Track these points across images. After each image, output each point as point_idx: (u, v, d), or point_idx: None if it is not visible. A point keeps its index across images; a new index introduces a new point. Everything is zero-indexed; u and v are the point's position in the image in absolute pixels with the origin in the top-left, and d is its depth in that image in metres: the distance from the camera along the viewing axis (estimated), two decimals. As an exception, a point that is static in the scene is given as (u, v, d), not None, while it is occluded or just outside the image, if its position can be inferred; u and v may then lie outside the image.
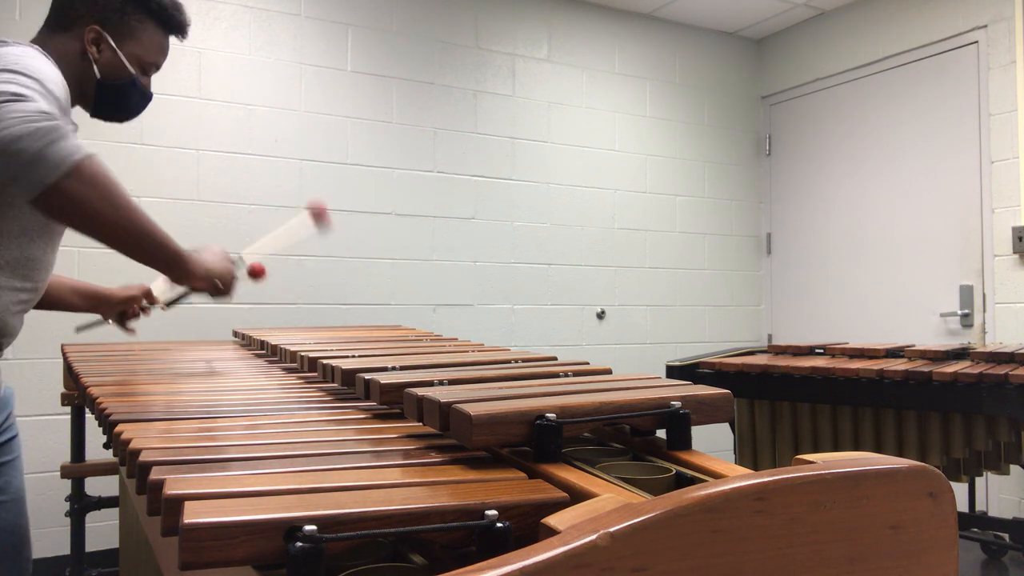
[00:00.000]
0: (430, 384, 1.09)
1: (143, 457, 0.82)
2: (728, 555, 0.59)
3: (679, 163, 4.62)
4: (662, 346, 4.48)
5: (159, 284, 1.85)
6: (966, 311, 3.84)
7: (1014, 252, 3.62)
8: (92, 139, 3.12)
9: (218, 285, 1.49)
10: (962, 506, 3.51)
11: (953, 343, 3.38)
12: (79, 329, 2.05)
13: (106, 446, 1.24)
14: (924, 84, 4.06)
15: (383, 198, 3.77)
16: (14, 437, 1.61)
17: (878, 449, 2.40)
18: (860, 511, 0.63)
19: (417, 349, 1.66)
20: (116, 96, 1.52)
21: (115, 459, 1.63)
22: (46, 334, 3.08)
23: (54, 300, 1.81)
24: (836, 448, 2.49)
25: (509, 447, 0.88)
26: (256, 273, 1.79)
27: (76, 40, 1.47)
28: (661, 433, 0.92)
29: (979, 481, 3.71)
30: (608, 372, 1.25)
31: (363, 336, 2.07)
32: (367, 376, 1.17)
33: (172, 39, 1.59)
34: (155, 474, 0.76)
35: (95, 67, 1.48)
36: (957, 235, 3.89)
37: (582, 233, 4.27)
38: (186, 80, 3.37)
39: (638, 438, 0.94)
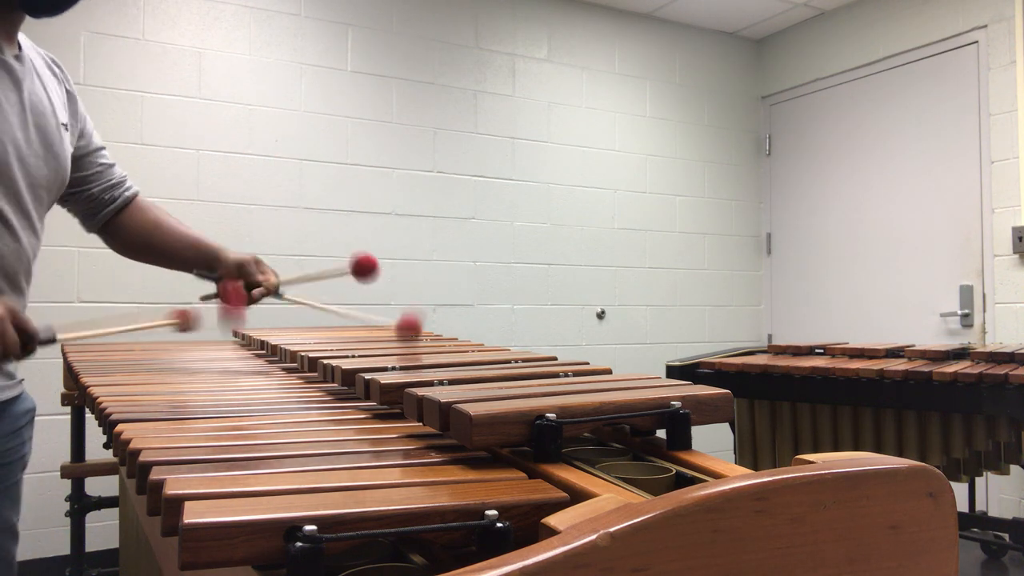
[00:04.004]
0: (430, 384, 1.09)
1: (143, 457, 0.82)
2: (728, 555, 0.59)
3: (679, 163, 4.62)
4: (662, 346, 4.48)
5: None
6: (966, 311, 3.84)
7: (1014, 252, 3.62)
8: (92, 139, 3.12)
9: None
10: (962, 506, 3.51)
11: (953, 343, 3.38)
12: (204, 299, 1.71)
13: (106, 446, 1.24)
14: (924, 84, 4.06)
15: (383, 198, 3.77)
16: (10, 463, 1.36)
17: (878, 449, 2.40)
18: (860, 511, 0.63)
19: (417, 349, 1.66)
20: None
21: (115, 459, 1.62)
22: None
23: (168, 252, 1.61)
24: (836, 448, 2.49)
25: (509, 447, 0.88)
26: (368, 266, 1.79)
27: None
28: (661, 433, 0.92)
29: (979, 481, 3.71)
30: (608, 372, 1.25)
31: (363, 336, 2.07)
32: (367, 376, 1.17)
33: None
34: (155, 474, 0.76)
35: None
36: (957, 235, 3.89)
37: (582, 233, 4.27)
38: (186, 80, 3.37)
39: (638, 438, 0.94)
